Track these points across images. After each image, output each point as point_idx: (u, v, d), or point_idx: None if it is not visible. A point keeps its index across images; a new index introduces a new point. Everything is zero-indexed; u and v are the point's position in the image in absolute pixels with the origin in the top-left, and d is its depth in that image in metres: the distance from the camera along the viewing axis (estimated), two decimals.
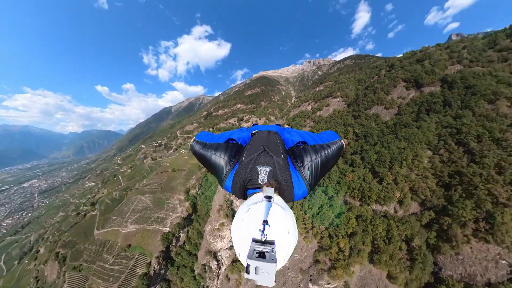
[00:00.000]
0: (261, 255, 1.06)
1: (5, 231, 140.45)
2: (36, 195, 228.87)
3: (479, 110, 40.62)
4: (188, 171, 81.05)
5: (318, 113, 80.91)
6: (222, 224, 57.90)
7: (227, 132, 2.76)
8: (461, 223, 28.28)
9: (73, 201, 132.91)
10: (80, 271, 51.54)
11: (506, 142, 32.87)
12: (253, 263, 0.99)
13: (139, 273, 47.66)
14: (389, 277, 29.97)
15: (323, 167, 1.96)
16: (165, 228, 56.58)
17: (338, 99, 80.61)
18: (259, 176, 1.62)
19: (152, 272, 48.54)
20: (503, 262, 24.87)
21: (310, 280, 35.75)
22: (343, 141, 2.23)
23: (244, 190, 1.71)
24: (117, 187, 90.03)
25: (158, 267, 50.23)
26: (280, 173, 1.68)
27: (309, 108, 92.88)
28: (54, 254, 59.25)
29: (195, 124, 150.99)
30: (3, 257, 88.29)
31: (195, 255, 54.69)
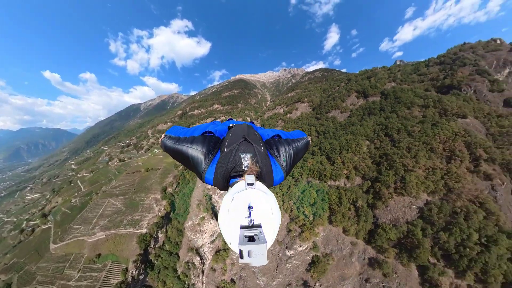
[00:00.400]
0: (251, 239, 1.17)
1: None
2: None
3: (401, 113, 55.62)
4: (163, 170, 77.82)
5: (288, 115, 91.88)
6: (203, 218, 55.82)
7: (201, 125, 2.73)
8: (387, 186, 39.78)
9: (8, 219, 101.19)
10: None
11: (414, 133, 47.08)
12: (245, 248, 1.09)
13: (114, 283, 42.78)
14: (344, 231, 39.60)
15: (294, 157, 2.22)
16: (141, 230, 52.44)
17: (305, 104, 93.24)
18: (243, 162, 1.71)
19: (130, 279, 44.33)
20: (414, 206, 36.53)
21: (286, 247, 42.64)
22: (309, 138, 2.58)
23: (227, 179, 1.76)
24: (76, 194, 78.16)
25: (137, 272, 46.10)
26: (261, 159, 1.79)
27: (281, 111, 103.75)
28: None
29: (169, 123, 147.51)
30: None
31: (177, 254, 51.69)
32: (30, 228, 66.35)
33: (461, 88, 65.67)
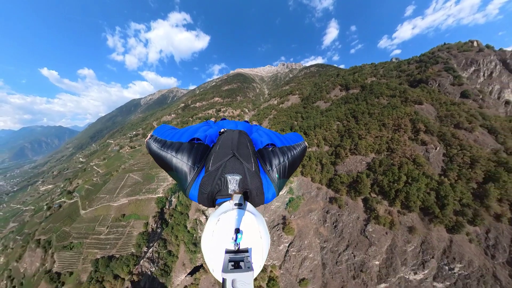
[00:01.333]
0: (236, 266, 1.04)
1: None
2: None
3: (370, 101, 66.92)
4: None
5: (280, 105, 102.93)
6: None
7: (192, 127, 2.50)
8: (345, 149, 52.22)
9: (26, 208, 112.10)
10: (71, 248, 53.15)
11: (374, 114, 59.02)
12: (229, 276, 0.96)
13: (137, 234, 52.26)
14: (312, 179, 52.39)
15: (290, 168, 2.03)
16: (158, 195, 64.16)
17: (296, 96, 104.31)
18: (229, 186, 1.55)
19: (150, 230, 55.96)
20: (363, 162, 48.91)
21: None
22: (306, 143, 2.37)
23: (213, 200, 1.63)
24: (95, 175, 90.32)
25: (155, 225, 56.52)
26: (251, 180, 1.63)
27: (275, 102, 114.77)
28: (34, 242, 58.48)
29: (172, 115, 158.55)
30: None
31: (187, 214, 60.84)
32: (57, 205, 77.38)
33: (428, 82, 76.53)
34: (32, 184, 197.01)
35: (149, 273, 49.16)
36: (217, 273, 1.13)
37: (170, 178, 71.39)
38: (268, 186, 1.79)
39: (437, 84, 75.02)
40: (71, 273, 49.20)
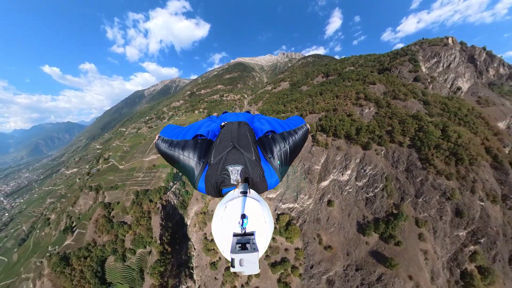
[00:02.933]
0: (243, 247, 1.21)
1: None
2: (2, 198, 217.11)
3: (338, 84, 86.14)
4: (194, 121, 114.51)
5: (273, 90, 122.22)
6: None
7: (196, 124, 2.68)
8: (306, 111, 72.21)
9: (59, 187, 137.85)
10: (116, 188, 76.11)
11: (334, 91, 78.56)
12: (237, 256, 1.14)
13: (166, 174, 76.37)
14: None
15: (291, 153, 2.11)
16: None
17: (286, 83, 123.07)
18: (231, 176, 1.66)
19: (174, 171, 78.71)
20: (317, 118, 69.12)
21: None
22: (308, 125, 2.43)
23: (219, 191, 1.76)
24: (124, 147, 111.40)
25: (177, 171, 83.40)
26: (252, 169, 1.73)
27: (270, 88, 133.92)
28: (87, 188, 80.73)
29: (181, 101, 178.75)
30: None
31: None
32: (95, 170, 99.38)
33: (391, 70, 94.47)
34: (56, 172, 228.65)
35: (173, 203, 72.18)
36: (226, 254, 1.29)
37: None
38: (271, 173, 1.91)
39: (398, 71, 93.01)
40: (118, 202, 72.70)
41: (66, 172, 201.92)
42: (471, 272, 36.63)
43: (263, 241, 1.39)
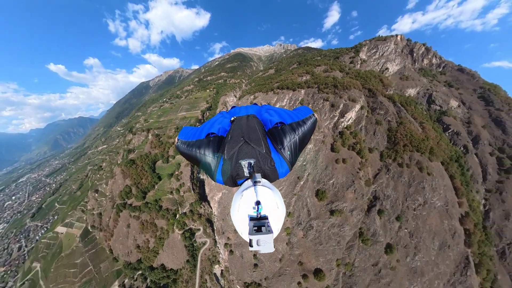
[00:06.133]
0: (259, 229, 1.42)
1: (39, 199, 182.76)
2: (43, 178, 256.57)
3: (307, 68, 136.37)
4: (203, 98, 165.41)
5: (263, 75, 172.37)
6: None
7: (208, 122, 2.94)
8: (277, 87, 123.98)
9: (99, 157, 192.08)
10: (161, 128, 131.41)
11: (299, 72, 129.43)
12: (254, 237, 1.35)
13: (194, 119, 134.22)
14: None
15: (301, 143, 2.32)
16: (201, 109, 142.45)
17: (273, 70, 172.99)
18: (244, 169, 1.93)
19: (200, 117, 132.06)
20: (290, 94, 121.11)
21: None
22: (316, 115, 2.63)
23: (235, 182, 2.05)
24: (157, 112, 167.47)
25: (203, 116, 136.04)
26: (263, 162, 1.97)
27: (261, 74, 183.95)
28: (140, 130, 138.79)
29: (191, 86, 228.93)
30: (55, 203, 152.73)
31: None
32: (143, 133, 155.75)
33: (338, 58, 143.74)
34: (83, 154, 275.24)
35: None
36: (245, 236, 1.52)
37: (206, 105, 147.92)
38: (281, 163, 2.13)
39: (343, 59, 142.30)
40: (163, 134, 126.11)
41: (98, 148, 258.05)
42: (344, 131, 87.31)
43: (276, 224, 1.62)
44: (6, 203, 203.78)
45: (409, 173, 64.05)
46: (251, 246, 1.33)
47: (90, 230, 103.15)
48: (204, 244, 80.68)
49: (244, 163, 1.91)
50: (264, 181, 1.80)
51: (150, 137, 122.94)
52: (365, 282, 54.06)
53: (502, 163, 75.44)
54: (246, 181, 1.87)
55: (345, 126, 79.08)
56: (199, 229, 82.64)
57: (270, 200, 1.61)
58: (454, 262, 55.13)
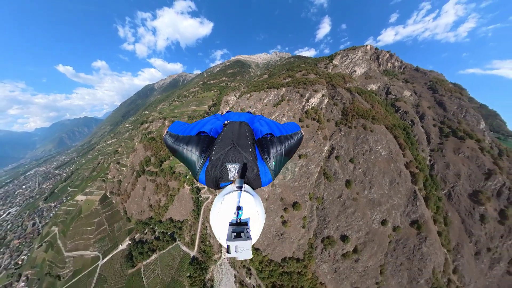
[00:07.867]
0: (238, 235, 1.40)
1: (51, 186, 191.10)
2: (52, 170, 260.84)
3: (287, 72, 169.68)
4: (210, 97, 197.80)
5: (258, 80, 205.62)
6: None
7: (201, 121, 2.94)
8: (267, 86, 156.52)
9: (109, 149, 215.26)
10: (175, 117, 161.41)
11: (282, 76, 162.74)
12: (232, 244, 1.33)
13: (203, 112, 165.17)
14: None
15: (286, 156, 2.41)
16: (208, 104, 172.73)
17: (266, 76, 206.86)
18: (229, 173, 1.92)
19: (209, 110, 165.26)
20: (279, 90, 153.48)
21: None
22: (302, 132, 2.74)
23: (217, 184, 2.03)
24: (167, 109, 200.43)
25: (210, 109, 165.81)
26: (249, 168, 1.98)
27: (256, 79, 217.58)
28: (156, 117, 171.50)
29: (197, 88, 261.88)
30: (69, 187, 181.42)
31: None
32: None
33: (317, 64, 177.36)
34: (92, 149, 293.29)
35: None
36: (223, 241, 1.47)
37: (212, 102, 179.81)
38: (265, 172, 2.17)
39: (320, 65, 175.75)
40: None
41: (108, 142, 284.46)
42: (308, 110, 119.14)
43: (255, 230, 1.61)
44: (17, 191, 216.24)
45: (356, 131, 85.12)
46: (229, 252, 1.31)
47: (108, 196, 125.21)
48: (207, 199, 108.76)
49: (230, 166, 1.93)
50: (246, 187, 1.84)
51: (167, 123, 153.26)
52: (335, 213, 63.74)
53: (442, 131, 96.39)
54: (229, 185, 1.88)
55: (310, 107, 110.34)
56: (204, 187, 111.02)
57: (251, 206, 1.61)
58: (406, 196, 64.68)
